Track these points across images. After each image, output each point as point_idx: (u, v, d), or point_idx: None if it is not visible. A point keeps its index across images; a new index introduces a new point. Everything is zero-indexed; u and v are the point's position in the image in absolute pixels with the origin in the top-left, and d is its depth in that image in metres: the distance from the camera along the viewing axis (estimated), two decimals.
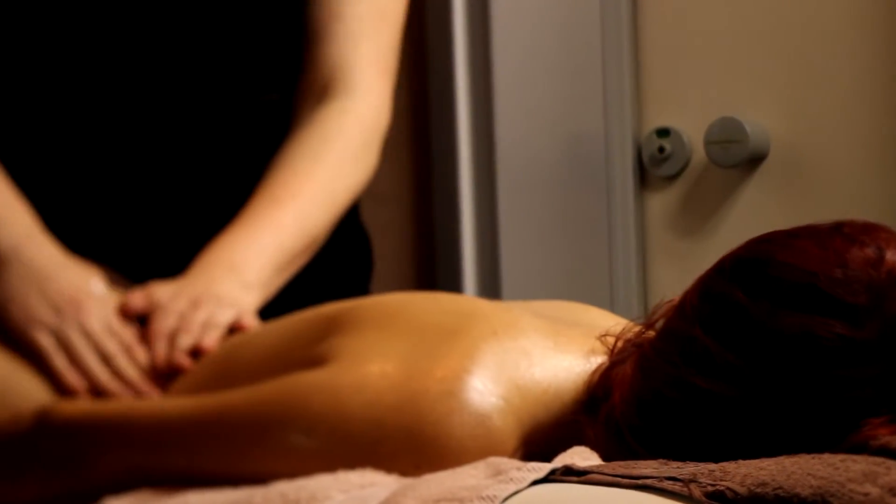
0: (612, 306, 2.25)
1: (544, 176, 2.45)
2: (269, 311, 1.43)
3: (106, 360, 1.34)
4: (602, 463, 1.12)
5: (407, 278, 2.45)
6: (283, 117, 1.56)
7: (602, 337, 1.23)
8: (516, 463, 1.09)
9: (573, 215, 2.45)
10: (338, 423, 1.15)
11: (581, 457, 1.14)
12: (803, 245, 1.17)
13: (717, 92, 2.44)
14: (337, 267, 1.60)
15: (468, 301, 1.32)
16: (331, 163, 1.49)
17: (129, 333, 1.36)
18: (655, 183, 2.50)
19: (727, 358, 1.13)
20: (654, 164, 2.47)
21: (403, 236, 2.48)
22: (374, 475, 1.13)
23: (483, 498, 1.03)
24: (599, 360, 1.22)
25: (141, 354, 1.35)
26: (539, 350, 1.20)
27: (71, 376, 1.33)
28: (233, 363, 1.31)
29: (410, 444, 1.14)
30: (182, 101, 1.52)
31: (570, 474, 1.06)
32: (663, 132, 2.46)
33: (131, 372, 1.33)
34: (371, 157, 1.55)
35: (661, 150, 2.46)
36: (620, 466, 1.06)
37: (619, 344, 1.22)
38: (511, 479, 1.04)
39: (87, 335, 1.34)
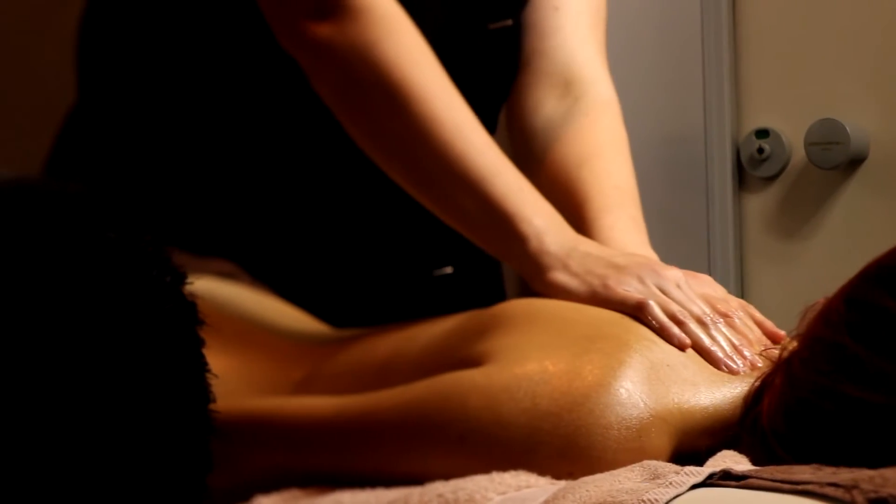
0: None
1: (643, 177, 2.43)
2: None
3: (700, 324, 1.26)
4: (756, 468, 1.13)
5: (509, 280, 2.46)
6: (514, 44, 1.54)
7: (764, 351, 1.24)
8: (673, 467, 1.10)
9: (672, 216, 2.46)
10: (493, 426, 1.16)
11: (733, 461, 1.15)
12: None
13: (818, 93, 2.44)
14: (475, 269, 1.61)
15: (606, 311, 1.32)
16: (627, 161, 1.50)
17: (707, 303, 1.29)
18: (754, 184, 2.50)
19: (879, 365, 1.13)
20: (752, 166, 2.48)
21: None
22: (529, 477, 1.13)
23: (644, 501, 1.03)
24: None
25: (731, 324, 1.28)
26: (697, 368, 1.22)
27: (676, 334, 1.24)
28: (392, 363, 1.32)
29: (565, 452, 1.14)
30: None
31: (728, 479, 1.06)
32: (762, 133, 2.46)
33: (726, 337, 1.26)
34: None
35: (761, 151, 2.46)
36: (778, 471, 1.07)
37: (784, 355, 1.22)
38: (671, 483, 1.05)
39: (675, 300, 1.27)
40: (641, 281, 1.27)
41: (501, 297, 1.64)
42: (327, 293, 1.50)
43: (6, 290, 0.68)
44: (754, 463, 1.16)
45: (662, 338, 1.22)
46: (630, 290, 1.26)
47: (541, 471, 1.14)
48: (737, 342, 1.26)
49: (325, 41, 1.31)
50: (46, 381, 0.68)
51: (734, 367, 1.23)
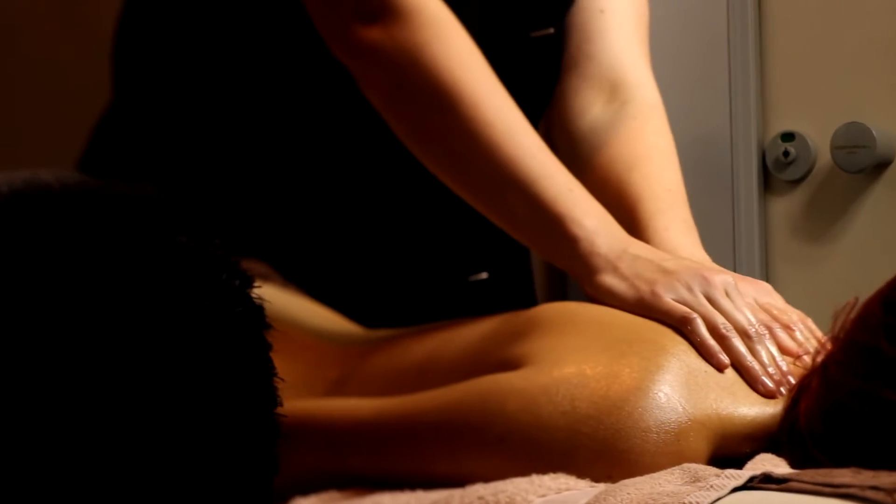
0: None
1: None
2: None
3: (744, 336, 1.25)
4: (795, 471, 1.13)
5: (539, 286, 2.46)
6: (555, 52, 1.54)
7: (797, 359, 1.25)
8: (713, 469, 1.10)
9: (697, 218, 2.43)
10: (532, 429, 1.17)
11: (772, 464, 1.15)
12: None
13: (844, 97, 2.44)
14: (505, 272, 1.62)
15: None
16: (676, 164, 1.50)
17: (761, 312, 1.27)
18: (780, 187, 2.50)
19: None
20: (778, 169, 2.48)
21: None
22: (568, 479, 1.14)
23: None
24: None
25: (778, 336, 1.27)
26: (736, 375, 1.22)
27: (716, 353, 1.22)
28: (428, 364, 1.32)
29: (604, 455, 1.15)
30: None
31: (768, 482, 1.07)
32: (788, 136, 2.47)
33: (769, 352, 1.24)
34: None
35: (786, 154, 2.46)
36: (818, 475, 1.07)
37: (818, 360, 1.23)
38: (711, 486, 1.05)
39: (722, 309, 1.26)
40: (689, 288, 1.26)
41: (532, 302, 1.64)
42: (361, 296, 1.50)
43: (80, 294, 0.69)
44: (793, 466, 1.16)
45: (702, 356, 1.22)
46: (677, 297, 1.26)
47: (580, 473, 1.15)
48: (779, 358, 1.25)
49: (374, 45, 1.31)
50: (120, 385, 0.69)
51: (770, 387, 1.22)
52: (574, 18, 1.56)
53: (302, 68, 1.46)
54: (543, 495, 1.12)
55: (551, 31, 1.55)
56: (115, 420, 0.69)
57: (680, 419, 1.16)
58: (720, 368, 1.22)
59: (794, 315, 1.29)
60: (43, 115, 2.54)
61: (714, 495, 1.05)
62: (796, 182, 2.49)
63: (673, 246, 1.39)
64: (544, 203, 1.30)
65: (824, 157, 2.45)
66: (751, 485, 1.07)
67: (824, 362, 1.21)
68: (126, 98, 1.53)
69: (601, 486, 1.12)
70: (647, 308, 1.25)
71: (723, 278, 1.28)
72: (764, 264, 2.48)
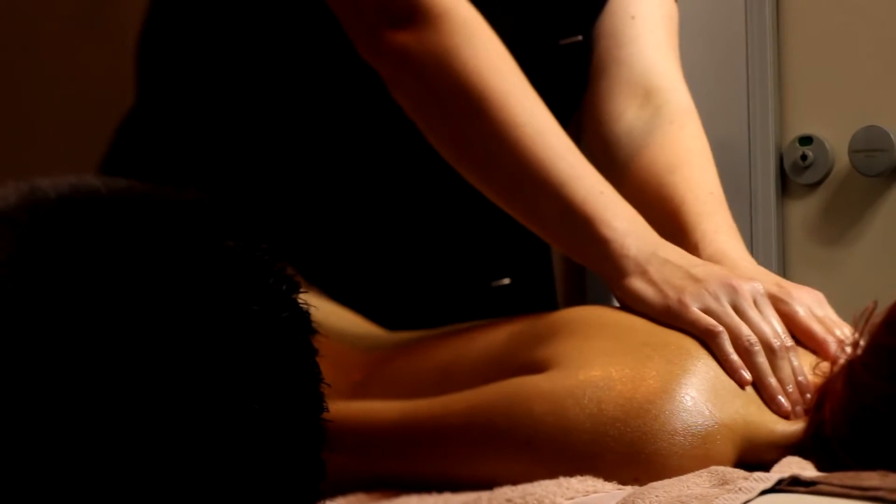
0: None
1: None
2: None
3: (768, 350, 1.24)
4: (823, 474, 1.13)
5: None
6: (584, 59, 1.55)
7: (818, 365, 1.25)
8: (741, 472, 1.10)
9: None
10: (558, 431, 1.17)
11: (798, 466, 1.16)
12: None
13: (862, 100, 2.45)
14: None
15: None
16: (714, 168, 1.50)
17: (782, 325, 1.26)
18: (797, 191, 2.50)
19: None
20: (796, 172, 2.48)
21: None
22: (596, 482, 1.14)
23: None
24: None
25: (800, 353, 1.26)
26: None
27: (738, 369, 1.22)
28: (451, 366, 1.33)
29: (631, 458, 1.15)
30: None
31: (796, 484, 1.07)
32: (806, 140, 2.47)
33: (791, 368, 1.24)
34: None
35: (804, 157, 2.46)
36: (847, 477, 1.07)
37: (836, 367, 1.23)
38: (740, 489, 1.06)
39: (748, 320, 1.25)
40: (716, 298, 1.25)
41: (553, 307, 1.65)
42: (385, 299, 1.51)
43: (129, 299, 0.69)
44: (819, 469, 1.17)
45: (725, 371, 1.22)
46: (703, 307, 1.25)
47: (606, 476, 1.15)
48: (801, 374, 1.24)
49: (404, 50, 1.32)
50: (171, 389, 0.70)
51: (785, 407, 1.22)
52: (604, 25, 1.56)
53: (327, 72, 1.46)
54: (571, 497, 1.12)
55: (580, 38, 1.55)
56: (164, 425, 0.69)
57: (707, 423, 1.16)
58: (741, 385, 1.21)
59: (846, 329, 1.29)
60: (59, 118, 2.55)
61: (743, 498, 1.05)
62: (814, 186, 2.49)
63: (722, 249, 1.38)
64: (574, 205, 1.30)
65: (842, 160, 2.45)
66: (779, 487, 1.07)
67: (849, 365, 1.22)
68: (150, 101, 1.54)
69: (628, 489, 1.13)
70: (673, 317, 1.25)
71: (752, 287, 1.27)
72: (781, 268, 2.48)
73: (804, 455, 1.19)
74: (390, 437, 1.26)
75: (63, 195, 0.71)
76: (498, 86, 1.31)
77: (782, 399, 1.22)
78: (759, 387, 1.22)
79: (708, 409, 1.17)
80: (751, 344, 1.23)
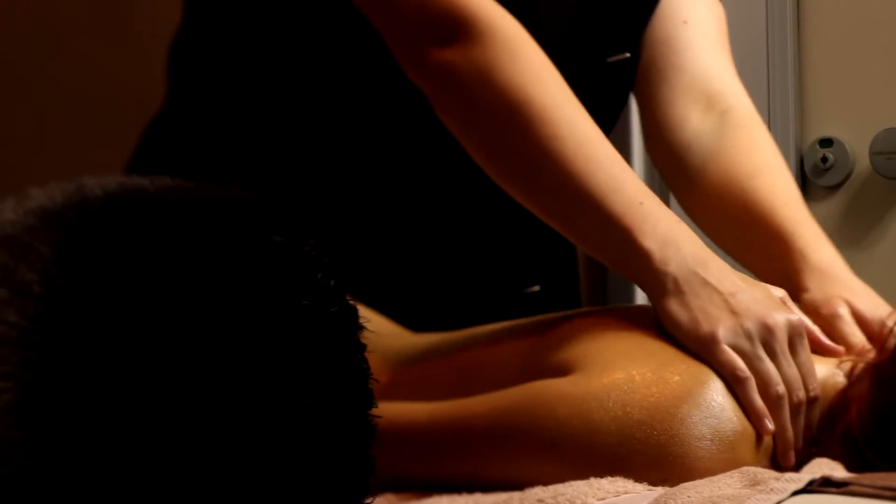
0: None
1: None
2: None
3: (790, 399, 1.23)
4: (854, 474, 1.13)
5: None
6: (630, 76, 1.54)
7: (841, 363, 1.25)
8: (772, 473, 1.11)
9: None
10: (584, 434, 1.17)
11: (829, 467, 1.16)
12: None
13: (882, 102, 2.45)
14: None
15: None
16: (789, 172, 1.50)
17: (811, 362, 1.25)
18: (817, 193, 2.50)
19: None
20: (816, 174, 2.48)
21: None
22: (626, 483, 1.15)
23: None
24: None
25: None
26: None
27: (762, 417, 1.21)
28: (476, 368, 1.33)
29: (658, 461, 1.15)
30: None
31: (828, 485, 1.07)
32: (826, 142, 2.47)
33: (803, 425, 1.23)
34: None
35: (824, 160, 2.46)
36: (878, 478, 1.07)
37: (858, 368, 1.23)
38: (772, 490, 1.06)
39: (778, 365, 1.24)
40: (749, 338, 1.23)
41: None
42: (416, 305, 1.51)
43: (180, 296, 0.69)
44: (849, 471, 1.17)
45: (747, 416, 1.20)
46: (735, 345, 1.23)
47: (634, 478, 1.15)
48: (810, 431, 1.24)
49: (449, 67, 1.30)
50: (223, 385, 0.70)
51: (792, 461, 1.22)
52: (655, 31, 1.55)
53: (357, 79, 1.46)
54: (602, 498, 1.12)
55: (627, 55, 1.54)
56: (217, 421, 0.69)
57: (735, 427, 1.17)
58: (763, 433, 1.20)
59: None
60: (83, 119, 2.55)
61: (774, 498, 1.05)
62: (834, 188, 2.49)
63: (828, 260, 1.38)
64: (613, 217, 1.28)
65: (863, 162, 2.45)
66: (811, 488, 1.07)
67: (874, 366, 1.22)
68: (180, 103, 1.54)
69: (659, 489, 1.13)
70: (703, 351, 1.23)
71: (789, 325, 1.25)
72: None
73: (832, 457, 1.19)
74: (419, 438, 1.26)
75: (111, 193, 0.71)
76: (540, 99, 1.29)
77: (791, 454, 1.22)
78: (777, 438, 1.21)
79: (734, 413, 1.18)
80: (779, 396, 1.22)
